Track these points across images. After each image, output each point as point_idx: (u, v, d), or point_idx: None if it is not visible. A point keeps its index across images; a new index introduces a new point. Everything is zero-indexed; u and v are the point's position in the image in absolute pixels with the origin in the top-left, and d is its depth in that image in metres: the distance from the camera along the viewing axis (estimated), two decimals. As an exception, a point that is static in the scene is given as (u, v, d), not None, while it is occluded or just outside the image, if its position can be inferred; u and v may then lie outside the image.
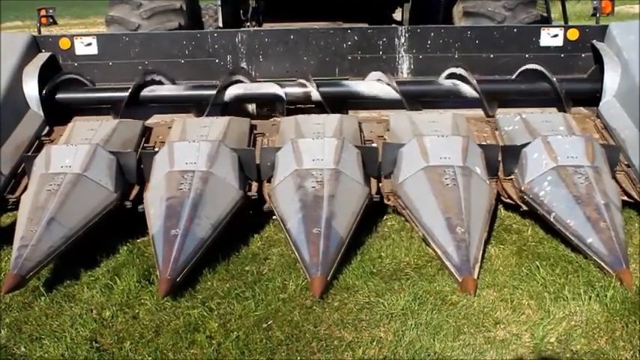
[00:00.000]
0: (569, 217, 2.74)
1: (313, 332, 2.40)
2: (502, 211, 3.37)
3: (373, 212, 3.25)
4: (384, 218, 3.31)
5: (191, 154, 3.04)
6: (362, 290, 2.65)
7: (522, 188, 3.02)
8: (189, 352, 2.30)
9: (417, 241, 3.05)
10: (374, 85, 3.80)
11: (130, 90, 3.68)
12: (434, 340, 2.32)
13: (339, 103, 3.80)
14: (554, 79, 3.67)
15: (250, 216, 3.23)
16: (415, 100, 3.76)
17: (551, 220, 2.82)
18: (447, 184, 2.84)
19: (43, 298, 2.66)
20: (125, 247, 3.06)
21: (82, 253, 2.93)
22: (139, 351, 2.31)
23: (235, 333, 2.39)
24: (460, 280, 2.49)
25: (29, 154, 3.28)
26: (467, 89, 3.74)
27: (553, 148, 3.03)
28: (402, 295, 2.60)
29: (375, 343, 2.32)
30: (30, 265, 2.52)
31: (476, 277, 2.52)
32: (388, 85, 3.74)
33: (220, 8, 5.85)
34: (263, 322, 2.46)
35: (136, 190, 3.21)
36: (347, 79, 3.96)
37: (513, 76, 3.92)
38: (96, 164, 3.03)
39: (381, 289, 2.65)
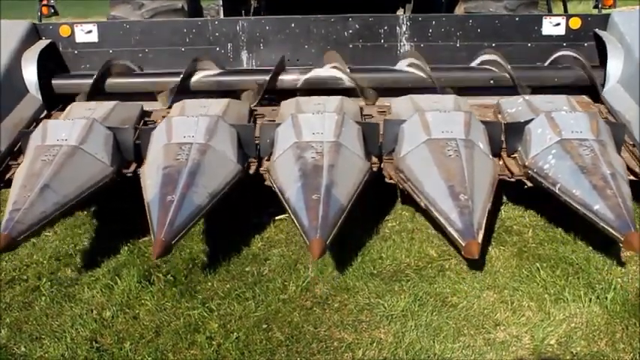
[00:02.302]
0: (575, 186, 2.65)
1: (313, 333, 2.40)
2: (503, 213, 3.37)
3: (374, 213, 3.25)
4: (385, 219, 3.31)
5: (189, 127, 2.98)
6: (362, 291, 2.65)
7: (526, 163, 2.94)
8: (190, 352, 2.30)
9: (418, 242, 3.06)
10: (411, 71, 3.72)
11: (93, 78, 3.61)
12: (434, 342, 2.32)
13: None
14: (589, 65, 3.60)
15: (251, 216, 3.23)
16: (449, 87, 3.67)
17: (557, 191, 2.72)
18: (450, 155, 2.77)
19: (43, 298, 2.66)
20: (126, 248, 3.06)
21: (83, 253, 2.93)
22: (139, 351, 2.31)
23: (235, 334, 2.39)
24: (464, 245, 2.40)
25: (26, 130, 3.22)
26: (502, 76, 3.66)
27: (557, 122, 2.96)
28: (402, 296, 2.60)
29: (375, 344, 2.33)
30: (21, 228, 2.47)
31: (480, 241, 2.43)
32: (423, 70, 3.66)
33: (222, 8, 5.85)
34: (263, 322, 2.46)
35: (133, 166, 3.14)
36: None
37: (546, 64, 3.86)
38: (93, 138, 2.98)
39: (381, 291, 2.65)
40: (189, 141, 2.90)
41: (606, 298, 2.53)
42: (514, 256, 2.93)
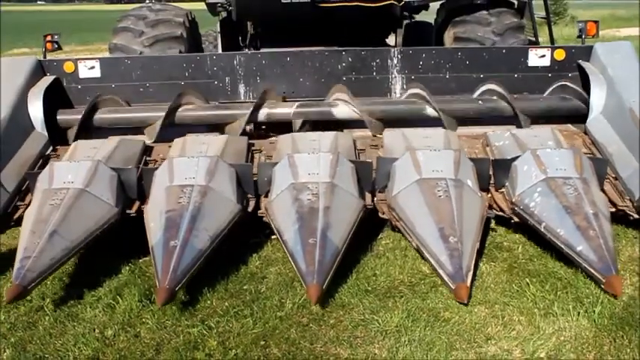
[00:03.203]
0: (559, 226, 2.79)
1: (310, 349, 2.46)
2: (493, 229, 3.44)
3: (368, 231, 3.33)
4: (379, 237, 3.39)
5: (190, 169, 3.12)
6: (357, 308, 2.72)
7: (513, 200, 3.09)
8: (189, 369, 2.37)
9: (411, 259, 3.13)
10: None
11: (81, 115, 3.79)
12: (427, 357, 2.38)
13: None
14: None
15: (249, 236, 3.31)
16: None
17: (542, 230, 2.87)
18: (440, 196, 2.91)
19: (47, 318, 2.72)
20: (127, 267, 3.13)
21: (85, 273, 3.00)
22: (140, 369, 2.37)
23: (234, 351, 2.44)
24: (453, 288, 2.54)
25: (33, 171, 3.36)
26: (504, 105, 3.86)
27: (542, 160, 3.11)
28: (395, 312, 2.66)
29: (369, 359, 2.38)
30: (32, 276, 2.58)
31: (469, 284, 2.58)
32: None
33: (220, 35, 6.03)
34: (261, 339, 2.52)
35: (136, 205, 3.27)
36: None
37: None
38: (97, 180, 3.11)
39: (375, 307, 2.72)
40: (190, 183, 3.04)
41: (594, 311, 2.60)
42: (504, 272, 3.00)
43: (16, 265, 2.64)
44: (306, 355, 2.42)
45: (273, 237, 3.23)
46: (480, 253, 2.98)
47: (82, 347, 2.51)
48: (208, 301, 2.80)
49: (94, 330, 2.63)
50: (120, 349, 2.50)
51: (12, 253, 3.23)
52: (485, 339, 2.49)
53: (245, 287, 2.94)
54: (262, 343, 2.50)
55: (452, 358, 2.37)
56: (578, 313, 2.61)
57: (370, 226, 3.29)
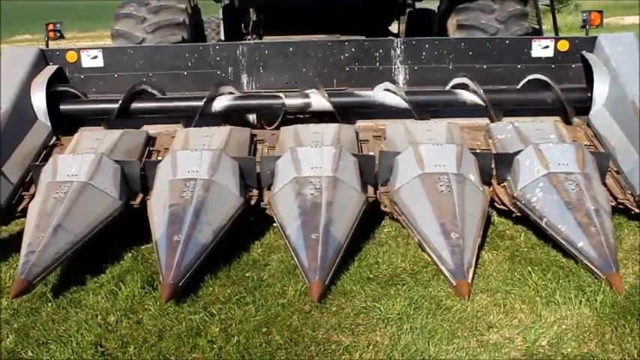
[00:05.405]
0: (561, 222, 2.81)
1: (312, 336, 2.47)
2: (496, 218, 3.43)
3: (370, 219, 3.33)
4: (381, 225, 3.39)
5: (193, 162, 3.13)
6: (359, 295, 2.72)
7: (515, 194, 3.09)
8: (192, 356, 2.37)
9: (413, 247, 3.13)
10: (385, 95, 3.87)
11: (119, 102, 3.78)
12: (429, 344, 2.39)
13: (350, 113, 3.89)
14: (558, 88, 3.74)
15: (251, 223, 3.31)
16: (422, 109, 3.84)
17: (543, 225, 2.88)
18: (442, 191, 2.92)
19: (49, 304, 2.73)
20: (129, 254, 3.14)
21: (88, 260, 3.01)
22: (143, 355, 2.38)
23: (236, 337, 2.46)
24: (454, 284, 2.55)
25: (37, 163, 3.38)
26: (473, 98, 3.82)
27: (544, 155, 3.11)
28: (397, 300, 2.67)
29: (371, 347, 2.39)
30: (37, 271, 2.60)
31: (470, 281, 2.59)
32: (397, 94, 3.81)
33: (222, 22, 5.99)
34: (263, 326, 2.53)
35: (140, 197, 3.29)
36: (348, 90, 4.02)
37: (518, 86, 4.00)
38: (101, 173, 3.12)
39: (377, 294, 2.73)
40: (193, 177, 3.05)
41: (596, 300, 2.60)
42: (506, 260, 3.01)
43: (21, 259, 2.65)
44: (307, 342, 2.43)
45: (274, 224, 3.24)
46: (481, 247, 2.99)
47: (84, 333, 2.52)
48: (210, 288, 2.81)
49: (97, 316, 2.64)
50: (122, 335, 2.51)
51: (13, 239, 3.27)
52: (487, 327, 2.49)
53: (247, 274, 2.94)
54: (264, 330, 2.51)
55: (453, 345, 2.38)
56: (580, 301, 2.61)
57: (372, 214, 3.28)
